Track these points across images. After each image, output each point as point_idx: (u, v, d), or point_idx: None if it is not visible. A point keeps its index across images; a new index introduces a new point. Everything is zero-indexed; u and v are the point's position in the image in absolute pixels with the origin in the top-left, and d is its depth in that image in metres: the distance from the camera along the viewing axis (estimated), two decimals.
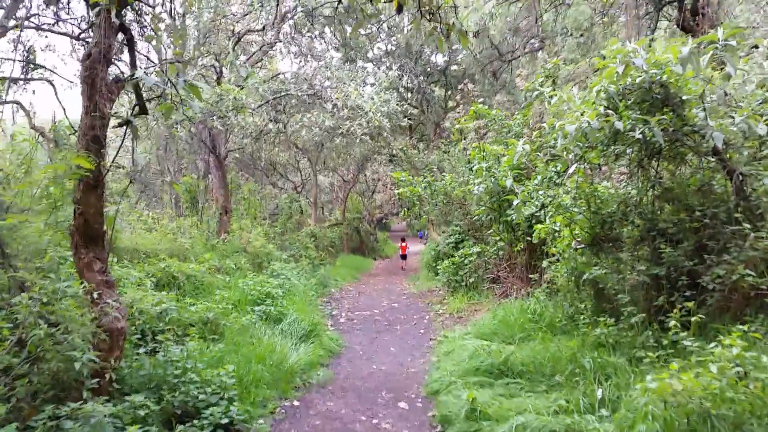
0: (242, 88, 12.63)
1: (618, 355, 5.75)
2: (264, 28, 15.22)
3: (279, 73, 14.77)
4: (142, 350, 5.59)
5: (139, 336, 6.10)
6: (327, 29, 22.01)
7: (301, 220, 29.50)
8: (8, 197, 5.23)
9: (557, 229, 7.81)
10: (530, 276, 9.58)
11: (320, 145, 28.40)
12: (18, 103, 10.28)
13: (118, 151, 10.13)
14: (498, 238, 12.08)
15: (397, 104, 13.02)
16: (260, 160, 31.93)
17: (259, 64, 19.23)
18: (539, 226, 7.92)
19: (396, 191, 9.82)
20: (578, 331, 6.83)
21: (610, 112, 5.12)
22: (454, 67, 29.00)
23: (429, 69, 25.20)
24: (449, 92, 27.50)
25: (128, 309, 6.22)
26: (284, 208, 19.68)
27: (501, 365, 6.16)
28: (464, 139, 10.74)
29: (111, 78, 5.41)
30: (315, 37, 19.80)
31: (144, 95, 5.76)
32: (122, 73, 5.39)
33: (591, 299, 7.12)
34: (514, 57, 17.25)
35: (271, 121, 17.14)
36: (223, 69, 15.99)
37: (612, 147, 6.14)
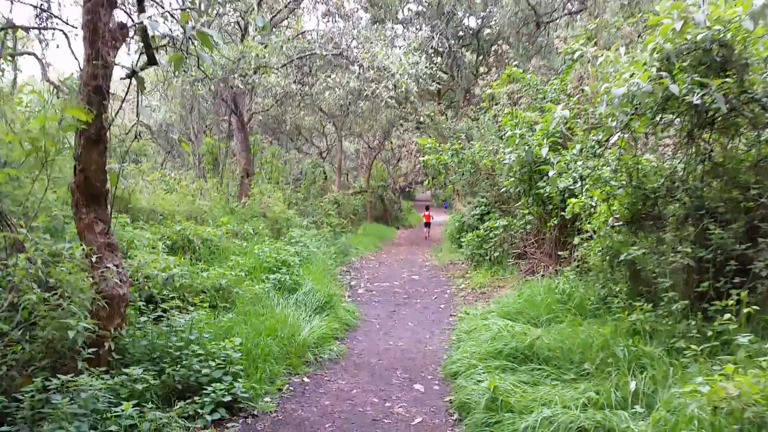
0: (266, 46, 12.14)
1: (655, 345, 5.26)
2: None
3: (304, 31, 14.18)
4: (146, 318, 5.30)
5: (144, 303, 5.83)
6: None
7: (325, 186, 29.20)
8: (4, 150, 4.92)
9: (593, 204, 7.27)
10: (559, 253, 9.07)
11: (346, 109, 27.95)
12: (32, 53, 9.98)
13: (137, 110, 9.82)
14: (526, 211, 11.54)
15: (426, 67, 12.36)
16: (285, 124, 31.57)
17: (285, 23, 18.66)
18: (573, 200, 7.38)
19: (421, 159, 9.28)
20: (611, 315, 6.35)
21: (663, 74, 4.53)
22: (487, 31, 27.90)
23: (461, 32, 24.20)
24: (481, 57, 26.51)
25: (134, 274, 5.94)
26: (307, 173, 19.30)
27: (526, 349, 5.73)
28: (495, 104, 10.10)
29: (115, 24, 5.00)
30: None
31: (155, 44, 5.35)
32: (130, 17, 4.96)
33: (626, 281, 6.60)
34: (551, 19, 16.29)
35: (295, 82, 16.70)
36: (248, 27, 15.49)
37: (661, 114, 5.55)
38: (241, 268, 8.04)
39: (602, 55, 5.29)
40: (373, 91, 11.16)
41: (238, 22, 15.69)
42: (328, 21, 18.41)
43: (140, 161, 16.99)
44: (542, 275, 9.20)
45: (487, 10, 22.30)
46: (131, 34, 5.16)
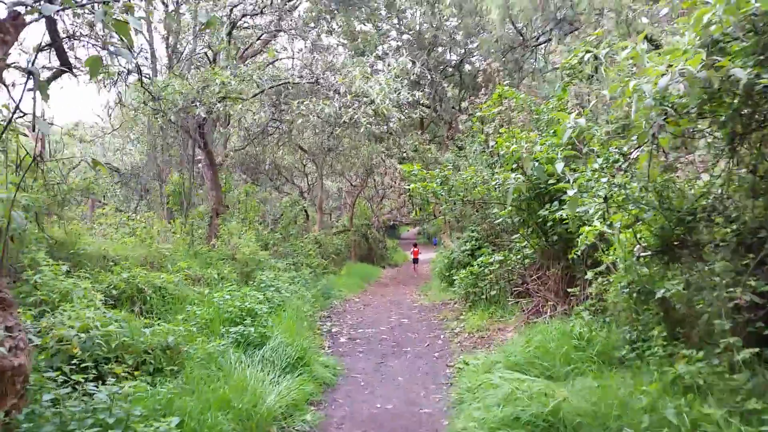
0: (235, 75, 11.15)
1: (716, 405, 4.11)
2: (263, 11, 13.77)
3: (276, 60, 13.24)
4: (53, 395, 4.02)
5: (64, 371, 4.55)
6: (335, 23, 20.61)
7: (307, 227, 28.01)
8: None
9: (611, 231, 6.20)
10: (568, 290, 7.94)
11: (325, 145, 27.04)
12: None
13: (33, 123, 8.63)
14: (524, 244, 10.47)
15: (408, 93, 11.44)
16: (264, 164, 30.57)
17: (260, 58, 17.82)
18: (586, 228, 6.30)
19: (407, 187, 8.21)
20: (646, 366, 5.20)
21: (717, 58, 3.52)
22: (468, 68, 27.47)
23: (442, 65, 23.62)
24: (463, 92, 25.94)
25: (43, 336, 4.67)
26: (285, 211, 18.14)
27: (549, 415, 4.53)
28: (485, 127, 9.14)
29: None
30: (321, 32, 18.36)
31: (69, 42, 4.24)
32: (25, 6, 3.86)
33: (660, 323, 5.48)
34: (538, 43, 15.64)
35: (272, 117, 15.70)
36: (217, 57, 14.57)
37: (695, 122, 4.54)
38: (197, 320, 6.78)
39: (626, 48, 4.29)
40: (351, 117, 10.15)
41: (206, 53, 14.79)
42: (304, 54, 17.64)
43: (102, 202, 15.73)
44: (550, 316, 8.04)
45: (470, 40, 21.73)
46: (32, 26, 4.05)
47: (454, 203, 8.42)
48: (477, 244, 14.55)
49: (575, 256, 7.50)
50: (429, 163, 17.95)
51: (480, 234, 14.64)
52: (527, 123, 8.50)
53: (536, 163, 6.73)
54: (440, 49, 24.91)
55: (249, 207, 16.84)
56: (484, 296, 10.31)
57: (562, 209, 7.03)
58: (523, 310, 9.15)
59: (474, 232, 15.00)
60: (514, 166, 7.79)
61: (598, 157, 5.20)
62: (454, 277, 13.99)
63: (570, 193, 4.30)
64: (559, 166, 4.43)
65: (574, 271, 8.22)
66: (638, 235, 5.56)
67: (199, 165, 14.67)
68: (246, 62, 14.96)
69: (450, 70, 23.95)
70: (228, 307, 6.94)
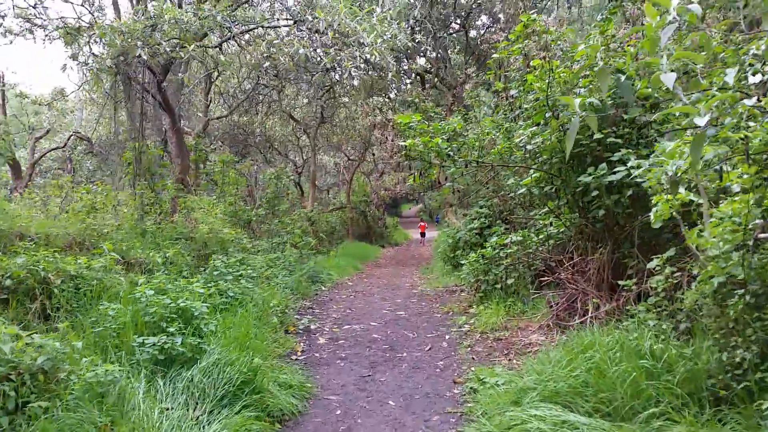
0: (195, 14, 9.05)
1: None
2: None
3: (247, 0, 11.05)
4: None
5: None
6: None
7: (302, 203, 26.01)
8: None
9: (699, 200, 4.22)
10: (618, 283, 5.97)
11: (319, 118, 24.87)
12: None
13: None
14: (547, 221, 8.49)
15: (406, 38, 9.32)
16: (253, 135, 28.41)
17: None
18: (660, 198, 4.30)
19: (401, 144, 6.16)
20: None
21: None
22: (473, 34, 25.12)
23: (447, 21, 21.27)
24: (468, 58, 23.65)
25: None
26: (269, 185, 16.12)
27: None
28: (502, 73, 7.11)
29: None
30: None
31: None
32: None
33: None
34: None
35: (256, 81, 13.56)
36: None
37: None
38: (107, 325, 4.83)
39: None
40: (334, 60, 8.03)
41: None
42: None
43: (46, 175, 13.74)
44: (592, 317, 6.07)
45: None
46: None
47: (465, 166, 6.40)
48: (487, 221, 12.57)
49: (623, 230, 5.53)
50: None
51: (490, 210, 12.65)
52: (561, 62, 6.43)
53: (622, 77, 4.67)
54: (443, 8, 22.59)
55: (226, 179, 14.81)
56: (499, 286, 8.34)
57: (597, 177, 5.05)
58: (551, 305, 7.19)
59: (483, 207, 13.01)
60: (546, 116, 5.75)
61: (731, 66, 3.17)
62: (461, 261, 12.09)
63: (700, 122, 2.29)
64: (669, 78, 2.41)
65: (625, 256, 6.24)
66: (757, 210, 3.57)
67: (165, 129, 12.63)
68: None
69: (455, 29, 21.61)
70: (152, 305, 4.96)
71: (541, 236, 8.50)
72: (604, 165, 5.71)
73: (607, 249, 6.22)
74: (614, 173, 5.55)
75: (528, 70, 6.78)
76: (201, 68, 18.93)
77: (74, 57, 8.59)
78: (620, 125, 5.95)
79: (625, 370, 4.18)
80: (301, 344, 7.10)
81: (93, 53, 8.98)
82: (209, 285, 6.52)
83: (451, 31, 20.87)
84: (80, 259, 6.08)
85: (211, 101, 20.75)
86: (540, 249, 8.40)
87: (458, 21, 20.81)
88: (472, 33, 24.75)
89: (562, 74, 5.68)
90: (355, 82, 9.70)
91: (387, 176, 41.31)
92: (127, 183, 13.10)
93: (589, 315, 6.06)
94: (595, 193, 5.77)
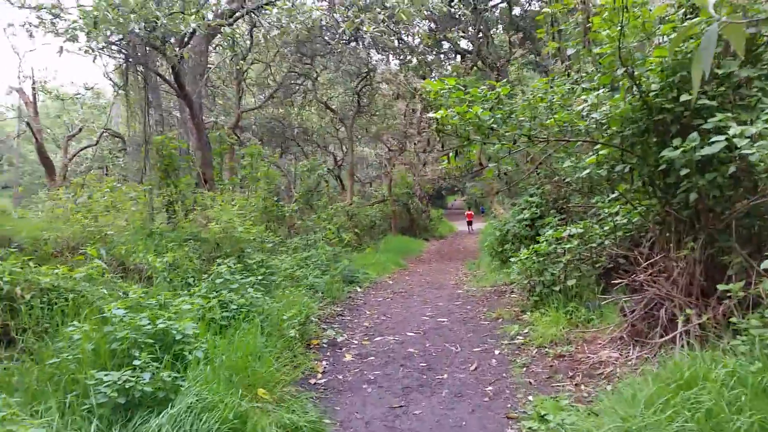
0: None
1: None
2: None
3: None
4: None
5: None
6: None
7: (342, 197, 25.05)
8: None
9: None
10: (714, 285, 4.62)
11: (355, 107, 23.78)
12: None
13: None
14: (614, 209, 7.14)
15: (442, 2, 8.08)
16: (291, 128, 27.60)
17: None
18: None
19: (431, 116, 4.94)
20: None
21: None
22: (517, 11, 23.45)
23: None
24: (513, 35, 22.05)
25: None
26: (303, 178, 15.17)
27: None
28: (555, 31, 5.81)
29: None
30: None
31: None
32: None
33: None
34: None
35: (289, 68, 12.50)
36: None
37: None
38: (73, 352, 3.87)
39: None
40: (352, 22, 6.88)
41: None
42: None
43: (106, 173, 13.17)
44: (684, 332, 4.74)
45: None
46: None
47: (513, 142, 5.10)
48: (538, 211, 11.21)
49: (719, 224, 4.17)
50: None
51: (542, 198, 11.27)
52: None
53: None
54: None
55: (257, 172, 13.90)
56: (557, 288, 7.05)
57: (717, 143, 3.72)
58: (624, 314, 5.86)
59: (534, 195, 11.64)
60: (617, 73, 4.43)
61: None
62: (511, 257, 10.84)
63: None
64: None
65: (722, 252, 4.88)
66: None
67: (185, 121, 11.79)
68: None
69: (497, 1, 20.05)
70: (122, 328, 3.97)
71: (606, 227, 7.15)
72: (694, 135, 4.36)
73: (698, 243, 4.86)
74: (710, 144, 4.21)
75: (589, 24, 5.44)
76: (226, 54, 18.15)
77: (73, 39, 7.75)
78: (712, 83, 4.58)
79: (757, 422, 2.90)
80: (324, 363, 6.03)
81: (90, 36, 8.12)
82: (211, 295, 5.52)
83: (493, 4, 19.32)
84: (59, 269, 5.19)
85: (243, 92, 19.98)
86: (605, 243, 7.05)
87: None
88: (516, 10, 23.16)
89: (638, 15, 4.36)
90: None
91: (429, 167, 39.99)
92: (156, 180, 12.38)
93: (680, 330, 4.72)
94: (684, 171, 4.42)
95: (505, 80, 7.80)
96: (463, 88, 4.98)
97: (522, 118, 5.08)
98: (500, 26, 22.01)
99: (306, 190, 14.93)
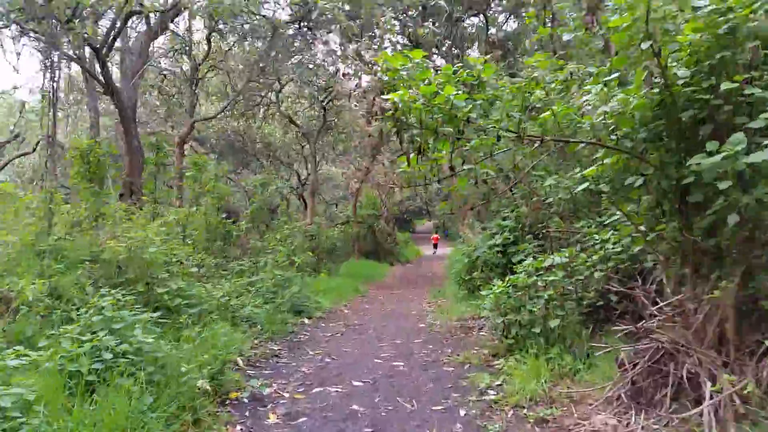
0: None
1: None
2: None
3: None
4: None
5: None
6: None
7: (305, 218, 23.61)
8: None
9: None
10: (757, 340, 3.44)
11: (322, 124, 22.53)
12: None
13: None
14: (605, 237, 6.04)
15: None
16: (252, 142, 26.13)
17: None
18: None
19: (384, 98, 3.63)
20: None
21: None
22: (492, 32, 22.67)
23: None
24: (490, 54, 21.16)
25: None
26: (255, 193, 13.75)
27: None
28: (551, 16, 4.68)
29: None
30: None
31: None
32: None
33: None
34: None
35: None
36: None
37: None
38: None
39: None
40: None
41: None
42: None
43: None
44: (711, 402, 3.52)
45: None
46: None
47: (498, 138, 3.83)
48: (511, 237, 10.08)
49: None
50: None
51: (516, 222, 10.14)
52: None
53: None
54: None
55: (205, 186, 12.41)
56: (537, 330, 5.80)
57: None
58: (622, 367, 4.64)
59: (506, 219, 10.51)
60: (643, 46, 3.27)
61: None
62: (479, 286, 9.70)
63: None
64: None
65: (759, 291, 3.71)
66: None
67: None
68: None
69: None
70: None
71: (594, 257, 5.98)
72: (739, 136, 3.20)
73: (732, 282, 3.67)
74: (764, 148, 3.05)
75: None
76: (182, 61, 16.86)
77: None
78: (759, 67, 3.46)
79: None
80: (238, 428, 4.61)
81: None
82: (85, 338, 4.08)
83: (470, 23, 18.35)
84: None
85: (197, 100, 18.55)
86: (595, 276, 5.88)
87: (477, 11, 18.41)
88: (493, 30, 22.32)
89: None
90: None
91: (398, 190, 38.84)
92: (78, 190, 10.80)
93: (709, 400, 3.51)
94: (724, 184, 3.23)
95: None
96: (433, 70, 3.75)
97: (510, 107, 3.85)
98: (475, 44, 21.14)
99: (258, 208, 13.48)
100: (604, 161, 4.03)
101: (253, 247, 13.58)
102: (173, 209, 11.49)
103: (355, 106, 23.02)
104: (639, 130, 3.76)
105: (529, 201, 8.59)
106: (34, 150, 18.81)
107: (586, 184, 4.49)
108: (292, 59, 17.39)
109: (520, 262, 9.56)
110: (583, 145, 4.06)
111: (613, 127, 3.93)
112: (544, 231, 8.24)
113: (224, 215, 13.30)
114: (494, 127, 3.69)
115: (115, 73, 13.05)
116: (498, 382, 5.49)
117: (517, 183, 6.96)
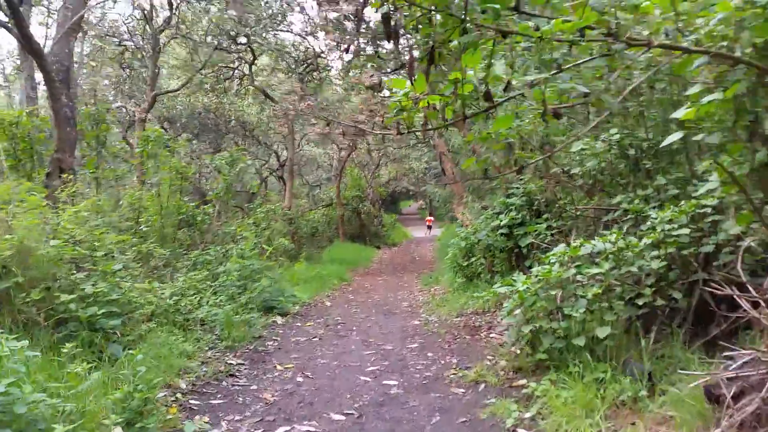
0: None
1: None
2: None
3: None
4: None
5: None
6: None
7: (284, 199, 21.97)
8: None
9: None
10: None
11: (299, 99, 20.79)
12: None
13: None
14: (664, 214, 4.57)
15: None
16: (225, 120, 24.25)
17: None
18: None
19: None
20: None
21: None
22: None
23: None
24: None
25: None
26: (222, 172, 12.10)
27: None
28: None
29: None
30: None
31: None
32: None
33: None
34: None
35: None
36: None
37: None
38: None
39: None
40: None
41: None
42: None
43: None
44: None
45: None
46: None
47: (582, 35, 2.37)
48: (520, 217, 8.61)
49: None
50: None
51: (525, 200, 8.67)
52: None
53: None
54: None
55: (160, 165, 10.72)
56: (582, 343, 4.31)
57: None
58: (714, 397, 3.18)
59: (512, 196, 9.03)
60: None
61: None
62: (480, 274, 8.36)
63: None
64: None
65: None
66: None
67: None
68: None
69: None
70: None
71: (648, 241, 4.50)
72: None
73: None
74: None
75: None
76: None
77: None
78: None
79: None
80: None
81: None
82: None
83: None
84: None
85: (158, 71, 16.71)
86: (651, 266, 4.40)
87: None
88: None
89: None
90: None
91: (385, 168, 37.20)
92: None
93: None
94: None
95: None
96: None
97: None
98: None
99: (225, 188, 11.85)
100: (713, 96, 2.49)
101: (223, 235, 12.00)
102: (130, 190, 9.91)
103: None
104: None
105: (545, 173, 7.08)
106: None
107: (678, 135, 2.97)
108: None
109: (529, 246, 8.17)
110: (701, 62, 2.54)
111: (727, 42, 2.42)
112: (568, 209, 6.74)
113: (191, 198, 11.67)
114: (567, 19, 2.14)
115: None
116: (529, 414, 4.02)
117: (552, 152, 5.42)
